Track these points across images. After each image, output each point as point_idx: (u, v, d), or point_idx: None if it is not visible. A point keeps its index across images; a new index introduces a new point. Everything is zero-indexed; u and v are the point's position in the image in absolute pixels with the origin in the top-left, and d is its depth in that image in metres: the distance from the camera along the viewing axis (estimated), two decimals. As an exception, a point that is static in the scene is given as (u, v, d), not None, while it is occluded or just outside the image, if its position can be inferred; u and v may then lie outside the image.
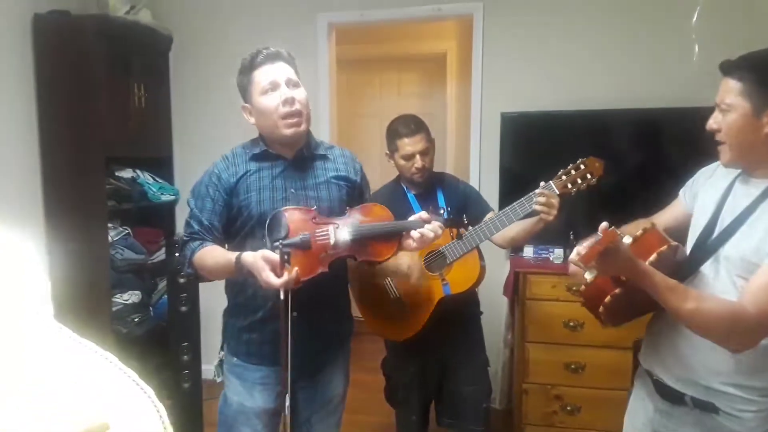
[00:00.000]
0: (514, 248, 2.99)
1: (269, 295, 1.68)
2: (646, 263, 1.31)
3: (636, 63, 3.06)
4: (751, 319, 1.26)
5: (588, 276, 1.31)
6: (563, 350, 2.80)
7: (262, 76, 1.69)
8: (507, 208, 2.08)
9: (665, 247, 1.38)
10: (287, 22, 3.49)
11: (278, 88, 1.68)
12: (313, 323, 1.73)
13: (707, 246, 1.43)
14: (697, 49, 2.19)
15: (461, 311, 2.32)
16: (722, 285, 1.38)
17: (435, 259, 2.25)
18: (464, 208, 2.35)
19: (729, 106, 1.35)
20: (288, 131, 1.69)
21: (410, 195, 2.35)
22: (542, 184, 2.01)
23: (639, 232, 1.38)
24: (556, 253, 2.91)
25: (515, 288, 2.91)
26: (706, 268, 1.42)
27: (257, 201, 1.72)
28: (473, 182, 3.30)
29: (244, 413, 1.81)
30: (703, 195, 1.53)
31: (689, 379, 1.44)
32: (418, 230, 1.67)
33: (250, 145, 1.81)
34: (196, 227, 1.73)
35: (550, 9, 3.19)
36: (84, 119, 2.95)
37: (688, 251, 1.51)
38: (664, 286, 1.29)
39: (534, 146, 3.10)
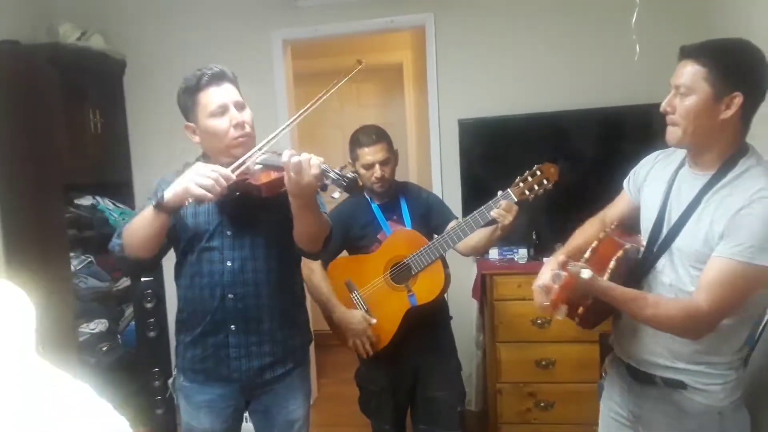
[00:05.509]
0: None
1: (208, 309, 1.72)
2: (607, 270, 1.41)
3: (585, 64, 3.15)
4: (705, 314, 1.34)
5: (559, 317, 1.37)
6: (533, 348, 2.86)
7: (210, 98, 1.68)
8: (468, 217, 2.14)
9: (621, 252, 1.47)
10: (241, 42, 3.49)
11: (227, 111, 1.68)
12: (251, 335, 1.74)
13: (659, 243, 1.50)
14: (638, 48, 2.28)
15: (430, 319, 2.35)
16: (678, 277, 1.45)
17: (400, 271, 2.28)
18: (428, 216, 2.40)
19: (689, 89, 1.36)
20: (238, 150, 1.68)
21: (374, 205, 2.38)
22: (500, 192, 2.08)
23: (594, 244, 1.47)
24: (521, 254, 2.97)
25: (483, 290, 2.96)
26: (662, 263, 1.50)
27: (192, 213, 1.73)
28: (436, 190, 3.35)
29: None
30: (647, 189, 1.59)
31: (656, 363, 1.51)
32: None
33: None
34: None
35: (499, 16, 3.26)
36: (40, 148, 2.91)
37: (643, 242, 1.58)
38: (622, 299, 1.39)
39: (492, 151, 3.16)
